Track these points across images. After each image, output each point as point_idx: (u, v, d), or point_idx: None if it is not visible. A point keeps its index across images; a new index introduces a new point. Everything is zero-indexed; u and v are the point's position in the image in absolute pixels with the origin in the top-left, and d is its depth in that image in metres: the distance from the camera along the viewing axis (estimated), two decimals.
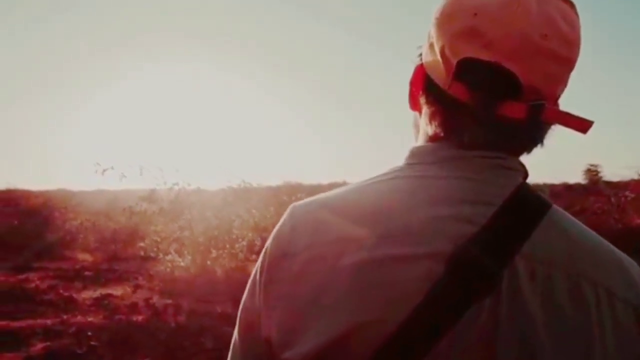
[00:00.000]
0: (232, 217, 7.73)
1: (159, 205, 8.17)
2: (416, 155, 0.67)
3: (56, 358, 4.16)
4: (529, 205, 0.61)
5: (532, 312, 0.56)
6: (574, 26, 0.62)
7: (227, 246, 7.21)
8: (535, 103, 0.60)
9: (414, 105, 0.72)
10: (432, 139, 0.68)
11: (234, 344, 0.69)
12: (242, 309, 0.68)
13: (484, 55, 0.59)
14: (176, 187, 8.07)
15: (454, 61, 0.61)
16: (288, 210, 0.68)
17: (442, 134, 0.66)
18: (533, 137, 0.65)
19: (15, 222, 10.69)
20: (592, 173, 18.51)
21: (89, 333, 4.58)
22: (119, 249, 9.25)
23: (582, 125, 0.61)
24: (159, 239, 7.59)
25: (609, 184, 13.39)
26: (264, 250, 0.67)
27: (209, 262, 7.10)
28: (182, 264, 7.15)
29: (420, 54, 0.69)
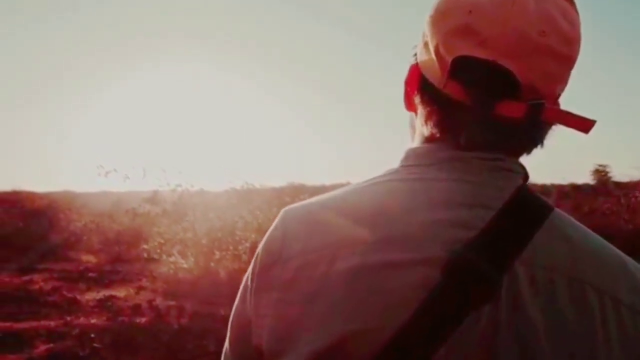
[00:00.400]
0: (235, 218, 7.73)
1: (162, 206, 8.20)
2: (412, 157, 0.66)
3: None
4: (529, 208, 0.59)
5: (532, 318, 0.54)
6: (574, 23, 0.60)
7: (231, 248, 7.21)
8: (534, 102, 0.58)
9: (410, 105, 0.70)
10: (428, 139, 0.66)
11: (225, 352, 0.68)
12: (233, 316, 0.67)
13: (480, 53, 0.57)
14: (179, 189, 8.10)
15: (449, 59, 0.59)
16: (280, 214, 0.66)
17: (438, 135, 0.64)
18: (532, 137, 0.63)
19: (20, 223, 10.73)
20: (601, 173, 18.42)
21: (92, 335, 4.58)
22: (123, 251, 9.26)
23: (583, 124, 0.59)
24: (162, 241, 7.60)
25: (618, 184, 13.33)
26: (255, 255, 0.66)
27: (212, 264, 7.10)
28: (185, 265, 7.16)
29: (415, 54, 0.68)
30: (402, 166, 0.66)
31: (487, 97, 0.58)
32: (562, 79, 0.61)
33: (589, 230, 0.62)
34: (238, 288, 0.67)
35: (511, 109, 0.58)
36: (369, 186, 0.64)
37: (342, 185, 0.67)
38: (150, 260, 7.61)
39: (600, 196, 11.74)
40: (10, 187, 16.01)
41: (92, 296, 6.19)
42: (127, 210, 8.90)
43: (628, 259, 0.61)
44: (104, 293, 6.31)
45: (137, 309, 5.54)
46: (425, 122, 0.65)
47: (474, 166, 0.61)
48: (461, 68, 0.58)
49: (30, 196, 14.70)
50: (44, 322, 5.03)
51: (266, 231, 0.66)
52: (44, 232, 10.12)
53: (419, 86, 0.65)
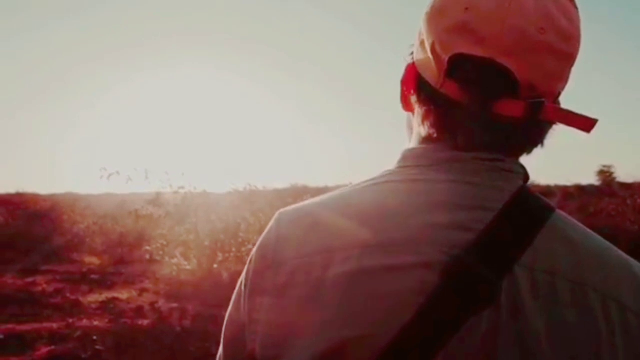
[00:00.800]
0: (239, 220, 7.74)
1: (165, 208, 8.20)
2: (409, 158, 0.64)
3: None
4: (529, 210, 0.57)
5: (533, 323, 0.53)
6: (573, 19, 0.59)
7: (234, 250, 7.21)
8: (534, 101, 0.56)
9: (406, 105, 0.69)
10: (426, 140, 0.64)
11: (219, 358, 0.66)
12: (226, 321, 0.65)
13: (477, 51, 0.56)
14: (182, 191, 8.09)
15: (446, 58, 0.58)
16: (274, 217, 0.65)
17: (435, 135, 0.63)
18: (532, 137, 0.62)
19: (24, 225, 10.79)
20: (606, 174, 18.37)
21: (94, 337, 4.59)
22: (125, 253, 9.29)
23: (585, 123, 0.58)
24: (165, 243, 7.61)
25: (623, 185, 13.30)
26: (249, 259, 0.64)
27: (215, 266, 7.10)
28: (188, 267, 7.16)
29: (412, 53, 0.67)
30: (399, 167, 0.64)
31: (485, 96, 0.57)
32: (562, 77, 0.60)
33: (592, 232, 0.61)
34: None
35: (510, 108, 0.56)
36: (365, 188, 0.63)
37: (345, 186, 0.66)
38: (153, 262, 7.62)
39: (606, 197, 11.70)
40: (14, 189, 16.16)
41: (95, 298, 6.21)
42: (130, 213, 8.90)
43: (632, 262, 0.60)
44: (106, 295, 6.33)
45: (139, 311, 5.55)
46: (422, 122, 0.64)
47: (472, 167, 0.60)
48: (458, 67, 0.57)
49: (34, 198, 14.81)
50: (46, 324, 5.05)
51: None
52: (47, 234, 10.15)
53: (416, 86, 0.64)
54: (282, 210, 0.65)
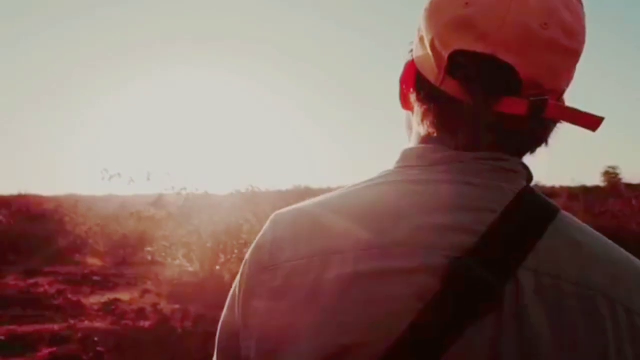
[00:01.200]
0: (241, 222, 7.73)
1: (167, 210, 8.22)
2: (408, 158, 0.63)
3: None
4: (533, 211, 0.56)
5: (538, 328, 0.51)
6: (578, 15, 0.57)
7: (236, 251, 7.21)
8: (537, 98, 0.55)
9: (406, 104, 0.67)
10: (425, 139, 0.63)
11: None
12: (221, 326, 0.64)
13: (478, 48, 0.55)
14: (184, 192, 8.10)
15: (445, 54, 0.56)
16: (270, 219, 0.63)
17: (435, 134, 0.61)
18: (536, 135, 0.60)
19: (26, 226, 10.81)
20: (611, 175, 18.29)
21: (96, 339, 4.59)
22: (128, 254, 9.31)
23: (591, 121, 0.56)
24: (167, 244, 7.62)
25: (629, 186, 13.25)
26: (243, 262, 0.63)
27: (217, 268, 7.10)
28: (190, 269, 7.17)
29: (411, 50, 0.65)
30: (398, 167, 0.63)
31: (486, 93, 0.55)
32: (566, 74, 0.58)
33: (598, 234, 0.59)
34: None
35: (512, 106, 0.55)
36: (363, 189, 0.61)
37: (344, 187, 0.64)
38: (155, 263, 7.64)
39: (611, 198, 11.66)
40: (17, 191, 16.21)
41: (97, 300, 6.22)
42: (132, 214, 8.94)
43: None
44: (108, 296, 6.34)
45: (141, 313, 5.56)
46: (422, 121, 0.62)
47: (473, 167, 0.58)
48: (458, 63, 0.56)
49: (36, 200, 14.88)
50: (48, 326, 5.06)
51: None
52: (49, 236, 10.18)
53: (415, 84, 0.62)
54: (277, 212, 0.64)
